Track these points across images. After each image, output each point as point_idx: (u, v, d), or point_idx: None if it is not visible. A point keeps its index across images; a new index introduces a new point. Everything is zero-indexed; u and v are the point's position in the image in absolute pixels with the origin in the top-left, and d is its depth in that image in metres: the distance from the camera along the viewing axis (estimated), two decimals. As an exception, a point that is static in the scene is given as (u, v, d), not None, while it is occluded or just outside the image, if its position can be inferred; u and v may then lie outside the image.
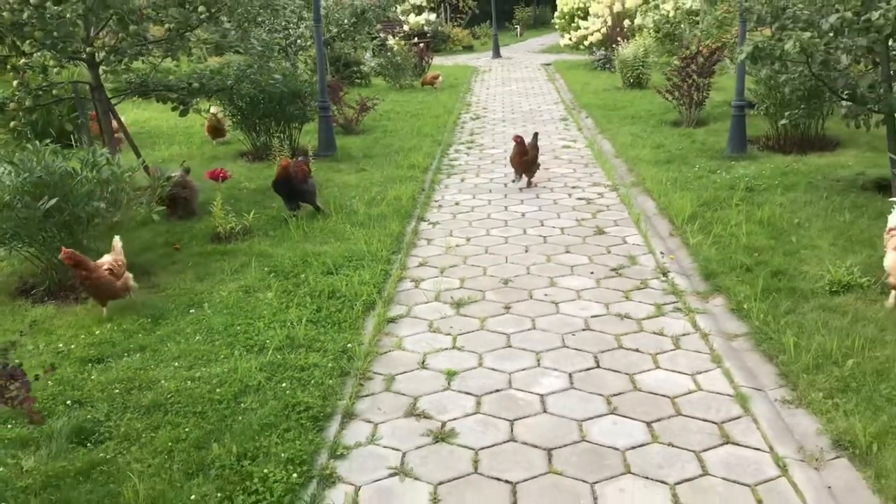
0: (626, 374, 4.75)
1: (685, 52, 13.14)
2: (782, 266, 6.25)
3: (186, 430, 4.09)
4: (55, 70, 8.75)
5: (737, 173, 9.32)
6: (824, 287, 5.75)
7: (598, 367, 4.86)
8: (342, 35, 15.00)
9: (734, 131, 10.49)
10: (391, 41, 23.25)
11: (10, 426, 4.16)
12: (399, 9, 32.15)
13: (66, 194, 5.98)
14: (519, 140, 9.07)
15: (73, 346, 5.12)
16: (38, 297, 6.11)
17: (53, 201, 5.80)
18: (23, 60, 8.14)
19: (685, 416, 4.26)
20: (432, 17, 29.22)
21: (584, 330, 5.40)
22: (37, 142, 6.51)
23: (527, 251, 7.12)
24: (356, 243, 7.10)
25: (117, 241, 5.99)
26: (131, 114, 14.86)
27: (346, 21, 14.80)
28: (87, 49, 8.06)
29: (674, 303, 5.82)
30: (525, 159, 9.18)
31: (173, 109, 9.22)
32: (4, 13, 7.03)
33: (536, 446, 4.00)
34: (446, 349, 5.16)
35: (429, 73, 20.52)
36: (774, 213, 7.59)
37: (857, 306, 5.41)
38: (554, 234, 7.63)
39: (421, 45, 24.65)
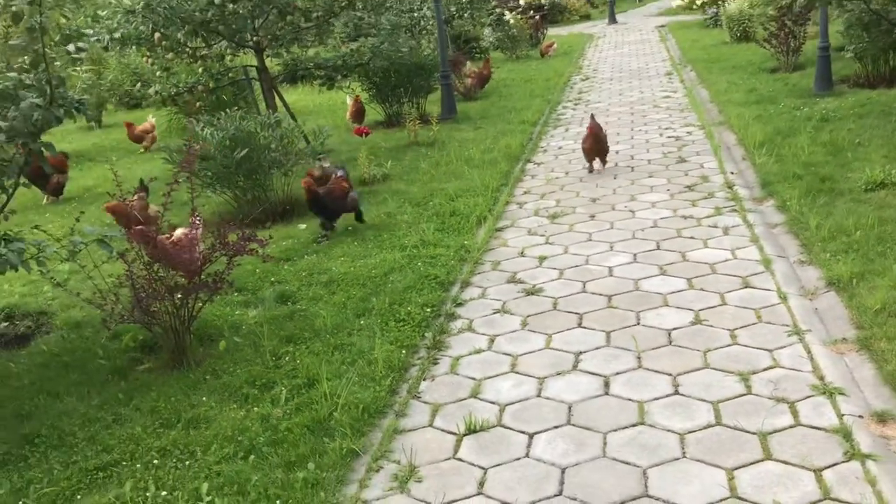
0: (680, 251, 6.13)
1: (780, 2, 13.91)
2: (831, 174, 7.37)
3: (354, 292, 5.84)
4: (229, 58, 10.82)
5: (817, 107, 10.25)
6: (861, 186, 6.86)
7: (658, 248, 6.27)
8: (460, 13, 16.61)
9: (819, 71, 11.34)
10: (508, 16, 24.65)
11: (236, 296, 6.05)
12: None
13: (252, 147, 7.89)
14: (592, 125, 8.73)
15: (268, 251, 6.98)
16: (234, 229, 8.05)
17: (245, 151, 7.72)
18: (206, 52, 10.26)
19: (718, 273, 5.63)
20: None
21: (652, 227, 6.79)
22: (226, 110, 8.48)
23: (615, 178, 8.51)
24: (472, 180, 8.71)
25: (196, 220, 5.55)
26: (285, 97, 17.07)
27: (462, 0, 16.42)
28: (255, 38, 10.07)
29: (732, 206, 7.09)
30: (599, 144, 8.73)
31: (321, 85, 11.13)
32: (197, 14, 9.06)
33: (601, 294, 5.50)
34: (540, 244, 6.70)
35: (544, 42, 21.79)
36: (839, 136, 8.59)
37: (884, 198, 6.53)
38: (641, 164, 8.97)
39: (536, 17, 25.92)
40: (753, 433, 3.71)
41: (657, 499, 3.34)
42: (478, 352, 4.86)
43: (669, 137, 10.13)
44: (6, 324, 6.06)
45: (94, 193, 10.30)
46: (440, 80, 12.94)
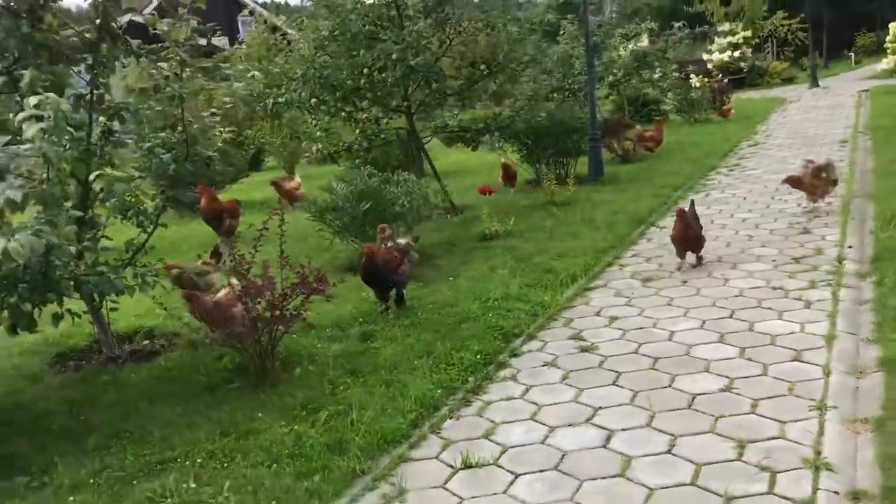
0: (750, 321, 6.11)
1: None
2: (951, 253, 6.94)
3: (425, 336, 6.37)
4: (385, 121, 11.87)
5: (982, 181, 9.51)
6: (975, 267, 6.44)
7: (731, 317, 6.27)
8: (627, 77, 16.88)
9: None
10: (693, 79, 24.45)
11: (328, 331, 6.78)
12: (715, 46, 33.05)
13: (378, 201, 8.72)
14: (680, 213, 7.67)
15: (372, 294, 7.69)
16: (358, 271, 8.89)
17: (368, 204, 8.56)
18: (364, 115, 11.37)
19: (775, 346, 5.58)
20: (737, 53, 29.65)
21: (736, 296, 6.76)
22: (365, 166, 9.41)
23: (728, 245, 8.45)
24: (585, 240, 9.00)
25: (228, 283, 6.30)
26: (453, 156, 18.09)
27: (629, 65, 16.67)
28: (405, 103, 11.04)
29: (829, 280, 6.88)
30: (690, 233, 7.67)
31: (467, 146, 11.91)
32: (349, 82, 10.17)
33: (649, 356, 5.65)
34: (619, 305, 6.89)
35: (725, 106, 21.38)
36: None
37: None
38: (762, 233, 8.82)
39: (724, 80, 25.48)
40: (720, 495, 3.80)
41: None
42: (509, 399, 5.22)
43: (805, 207, 9.81)
44: (146, 342, 7.19)
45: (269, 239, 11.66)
46: (589, 142, 13.30)
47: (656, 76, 22.86)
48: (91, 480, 4.56)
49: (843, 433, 4.26)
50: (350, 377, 5.70)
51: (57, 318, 5.53)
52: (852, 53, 40.62)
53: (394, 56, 9.74)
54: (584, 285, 7.52)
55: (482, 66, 10.60)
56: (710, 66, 27.99)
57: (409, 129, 11.39)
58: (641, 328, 6.25)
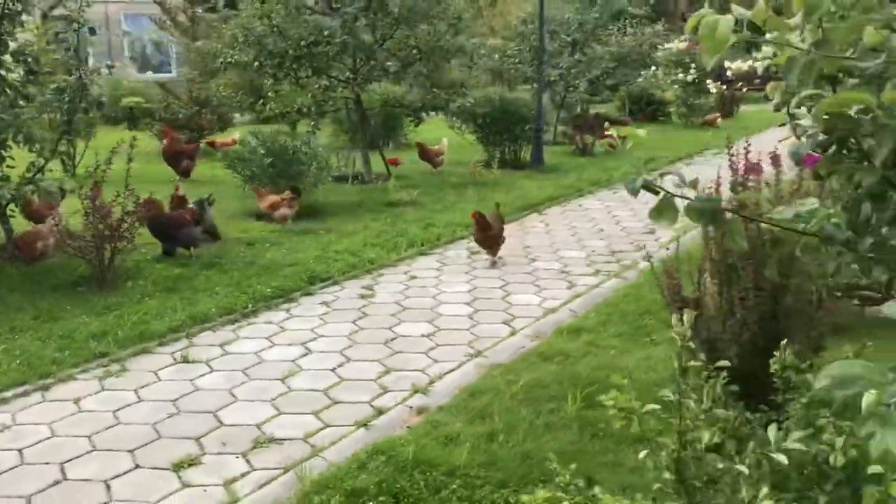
0: (509, 293, 7.20)
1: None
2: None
3: (250, 272, 7.60)
4: (339, 89, 13.07)
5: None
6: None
7: (500, 288, 7.36)
8: (603, 76, 17.66)
9: None
10: (710, 85, 24.86)
11: (182, 260, 8.10)
12: (761, 54, 32.89)
13: (281, 158, 9.99)
14: (477, 216, 8.11)
15: (270, 233, 8.99)
16: (266, 218, 10.19)
17: (270, 160, 9.84)
18: (320, 82, 12.60)
19: (505, 312, 6.68)
20: (759, 64, 29.64)
21: (525, 274, 7.83)
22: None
23: (573, 235, 9.46)
24: (461, 216, 10.08)
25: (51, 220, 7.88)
26: (436, 131, 19.13)
27: (605, 64, 17.43)
28: (349, 76, 12.24)
29: (612, 272, 7.86)
30: (490, 234, 8.15)
31: (410, 121, 13.08)
32: (289, 51, 11.40)
33: (401, 306, 6.83)
34: (431, 269, 8.03)
35: (710, 115, 21.78)
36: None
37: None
38: (614, 230, 9.78)
39: (744, 89, 25.82)
40: (268, 402, 4.98)
41: (225, 424, 4.80)
42: (268, 322, 6.47)
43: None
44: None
45: (215, 180, 13.09)
46: (533, 131, 14.28)
47: (689, 77, 23.41)
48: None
49: (468, 372, 5.37)
50: (164, 293, 7.02)
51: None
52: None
53: (326, 32, 10.95)
54: (422, 250, 8.67)
55: (415, 51, 11.72)
56: (729, 73, 28.18)
57: (355, 99, 12.58)
58: (423, 287, 7.40)
